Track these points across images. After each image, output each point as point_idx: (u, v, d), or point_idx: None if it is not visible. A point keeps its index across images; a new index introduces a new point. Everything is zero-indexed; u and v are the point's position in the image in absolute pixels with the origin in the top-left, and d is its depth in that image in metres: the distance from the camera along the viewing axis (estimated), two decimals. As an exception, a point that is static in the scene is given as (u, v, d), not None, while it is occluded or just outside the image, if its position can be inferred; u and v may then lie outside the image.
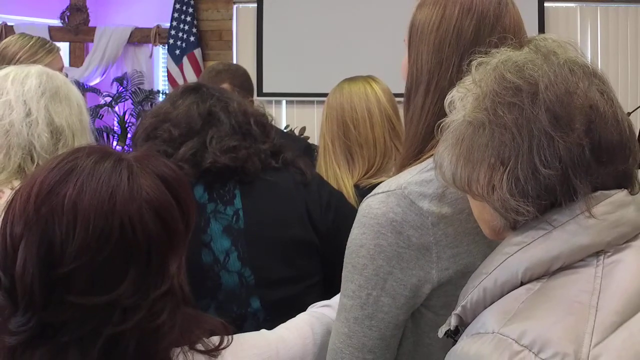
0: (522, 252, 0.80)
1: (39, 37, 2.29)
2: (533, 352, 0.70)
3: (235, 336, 1.00)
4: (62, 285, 0.84)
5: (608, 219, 0.78)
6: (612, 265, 0.78)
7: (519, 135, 0.77)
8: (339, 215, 1.46)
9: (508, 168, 0.78)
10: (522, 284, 0.80)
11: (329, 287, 1.44)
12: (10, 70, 1.49)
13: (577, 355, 0.69)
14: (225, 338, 0.97)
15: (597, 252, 0.79)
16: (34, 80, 1.47)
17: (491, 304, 0.81)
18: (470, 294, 0.84)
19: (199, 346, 0.94)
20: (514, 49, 0.86)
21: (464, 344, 0.77)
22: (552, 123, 0.76)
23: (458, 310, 0.85)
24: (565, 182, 0.77)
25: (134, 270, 0.86)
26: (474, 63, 0.87)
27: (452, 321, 0.86)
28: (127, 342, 0.86)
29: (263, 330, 1.13)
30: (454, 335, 0.87)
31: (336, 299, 1.30)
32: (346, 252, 1.03)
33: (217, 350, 0.95)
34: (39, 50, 2.21)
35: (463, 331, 0.85)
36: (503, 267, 0.81)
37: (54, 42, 2.36)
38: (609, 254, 0.79)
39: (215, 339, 0.96)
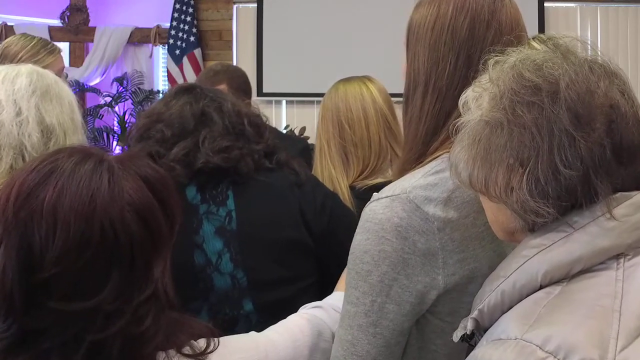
0: (541, 254, 0.79)
1: (41, 38, 2.28)
2: (558, 359, 0.69)
3: (223, 339, 0.99)
4: (42, 291, 0.82)
5: (629, 221, 0.77)
6: (633, 269, 0.77)
7: (539, 135, 0.76)
8: (333, 217, 1.45)
9: (528, 169, 0.77)
10: (541, 287, 0.78)
11: (324, 289, 1.43)
12: (1, 69, 1.49)
13: None
14: (212, 341, 0.96)
15: (617, 255, 0.78)
16: (24, 79, 1.46)
17: (509, 308, 0.80)
18: (488, 297, 0.82)
19: (186, 350, 0.92)
20: (531, 47, 0.85)
21: (485, 350, 0.75)
22: (574, 122, 0.75)
23: (475, 314, 0.84)
24: (586, 183, 0.76)
25: (116, 275, 0.84)
26: (491, 61, 0.85)
27: (469, 325, 0.85)
28: (111, 348, 0.84)
29: (252, 333, 1.12)
30: (469, 339, 0.86)
31: (328, 300, 1.29)
32: (349, 258, 1.00)
33: (204, 354, 0.93)
34: (41, 50, 2.21)
35: (479, 335, 0.84)
36: (522, 270, 0.80)
37: (55, 43, 2.36)
38: (629, 257, 0.78)
39: (201, 343, 0.95)
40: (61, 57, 2.31)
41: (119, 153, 1.00)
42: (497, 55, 0.86)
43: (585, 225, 0.77)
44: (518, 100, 0.78)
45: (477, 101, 0.84)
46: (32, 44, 2.21)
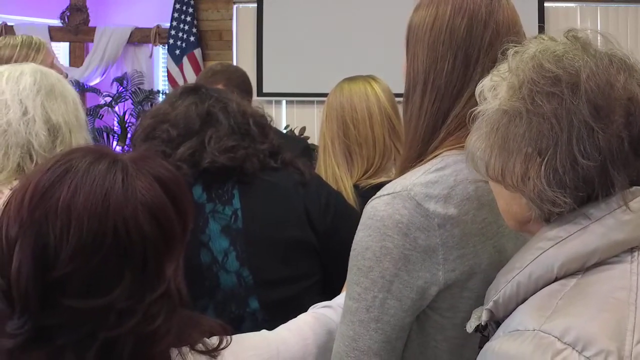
0: (558, 246, 0.79)
1: (24, 38, 2.21)
2: (577, 350, 0.69)
3: (235, 336, 1.00)
4: (57, 289, 0.83)
5: None
6: None
7: (558, 126, 0.77)
8: (337, 215, 1.46)
9: (546, 158, 0.77)
10: (556, 279, 0.79)
11: (327, 288, 1.44)
12: (4, 69, 1.49)
13: (620, 352, 0.69)
14: (225, 338, 0.97)
15: (632, 248, 0.79)
16: (29, 79, 1.46)
17: (524, 299, 0.80)
18: (503, 288, 0.83)
19: (199, 346, 0.93)
20: (551, 39, 0.85)
21: (503, 342, 0.76)
22: (593, 114, 0.76)
23: (490, 305, 0.84)
24: (604, 174, 0.77)
25: (129, 273, 0.85)
26: (510, 51, 0.86)
27: (484, 316, 0.85)
28: (123, 346, 0.85)
29: (264, 331, 1.13)
30: (482, 330, 0.87)
31: (337, 299, 1.30)
32: (351, 254, 1.02)
33: (217, 350, 0.94)
34: (29, 51, 2.18)
35: (491, 327, 0.84)
36: (538, 261, 0.80)
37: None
38: None
39: (214, 340, 0.96)
40: (48, 50, 2.26)
41: (127, 152, 1.01)
42: (515, 46, 0.86)
43: (602, 218, 0.78)
44: (538, 90, 0.79)
45: (494, 90, 0.84)
46: (18, 47, 2.17)
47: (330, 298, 1.32)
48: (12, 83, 1.45)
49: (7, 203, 0.88)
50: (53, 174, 0.86)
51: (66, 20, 5.44)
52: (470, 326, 0.88)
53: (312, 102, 5.08)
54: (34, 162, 1.42)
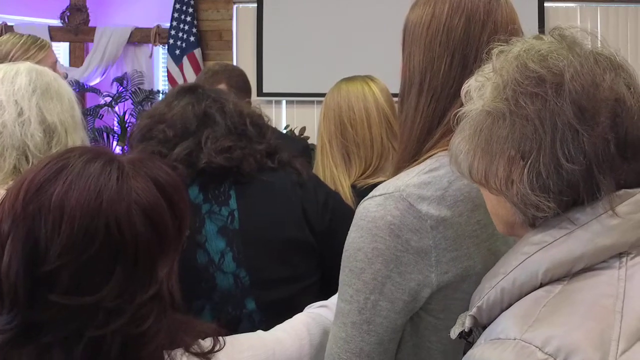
0: (542, 252, 0.77)
1: (29, 35, 2.28)
2: None
3: (230, 337, 1.00)
4: (46, 284, 0.83)
5: (632, 218, 0.76)
6: (636, 268, 0.75)
7: (542, 128, 0.74)
8: (335, 215, 1.45)
9: (529, 161, 0.75)
10: (541, 285, 0.77)
11: (325, 288, 1.43)
12: None
13: None
14: (218, 340, 0.96)
15: (620, 254, 0.76)
16: (24, 78, 1.46)
17: (508, 306, 0.78)
18: (487, 294, 0.81)
19: (194, 348, 0.93)
20: (537, 38, 0.83)
21: (484, 349, 0.74)
22: (577, 116, 0.73)
23: (473, 311, 0.83)
24: (589, 178, 0.74)
25: (120, 272, 0.85)
26: (495, 51, 0.84)
27: (467, 322, 0.83)
28: (110, 345, 0.85)
29: (259, 331, 1.13)
30: (466, 336, 0.85)
31: (333, 299, 1.30)
32: (343, 255, 1.01)
33: (211, 352, 0.94)
34: (31, 47, 2.20)
35: (477, 332, 0.83)
36: (522, 267, 0.78)
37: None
38: (631, 255, 0.76)
39: (208, 342, 0.95)
40: (52, 51, 2.29)
41: (120, 153, 1.01)
42: (501, 45, 0.84)
43: (587, 223, 0.76)
44: (521, 91, 0.76)
45: (479, 91, 0.82)
46: (21, 41, 2.20)
47: (327, 298, 1.32)
48: (7, 83, 1.45)
49: (3, 199, 0.88)
50: (49, 170, 0.87)
51: (66, 20, 5.44)
52: (454, 332, 0.87)
53: (312, 102, 5.07)
54: (30, 163, 1.41)
